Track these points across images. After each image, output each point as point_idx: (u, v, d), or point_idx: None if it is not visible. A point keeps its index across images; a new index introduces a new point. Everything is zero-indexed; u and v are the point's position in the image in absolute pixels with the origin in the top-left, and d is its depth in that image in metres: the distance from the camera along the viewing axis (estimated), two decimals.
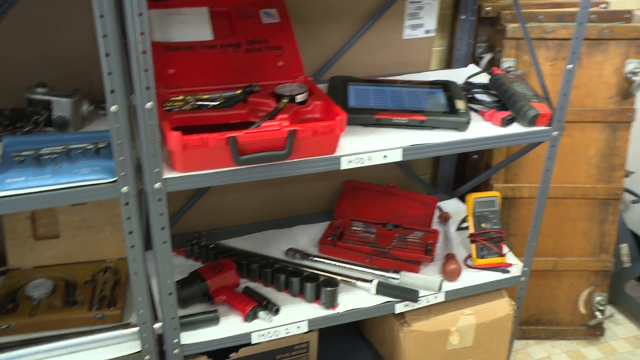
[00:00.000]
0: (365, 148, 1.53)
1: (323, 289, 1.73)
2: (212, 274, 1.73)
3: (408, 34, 2.06)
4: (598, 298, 2.33)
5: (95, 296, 1.72)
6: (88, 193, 1.32)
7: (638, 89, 2.11)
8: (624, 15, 2.14)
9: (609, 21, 2.12)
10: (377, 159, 1.54)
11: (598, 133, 2.17)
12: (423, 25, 2.06)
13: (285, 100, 1.54)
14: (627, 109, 2.15)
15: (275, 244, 2.02)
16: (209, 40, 1.66)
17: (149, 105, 1.25)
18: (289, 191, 2.14)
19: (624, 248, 2.54)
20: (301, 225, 2.12)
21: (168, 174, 1.36)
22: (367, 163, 1.53)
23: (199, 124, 1.48)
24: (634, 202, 2.60)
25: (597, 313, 2.34)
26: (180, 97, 1.54)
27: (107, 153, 1.39)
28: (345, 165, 1.51)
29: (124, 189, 1.33)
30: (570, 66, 1.63)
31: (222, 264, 1.77)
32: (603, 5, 2.26)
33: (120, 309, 1.68)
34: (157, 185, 1.34)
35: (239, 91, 1.59)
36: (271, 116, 1.47)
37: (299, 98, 1.56)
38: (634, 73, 2.09)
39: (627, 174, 2.32)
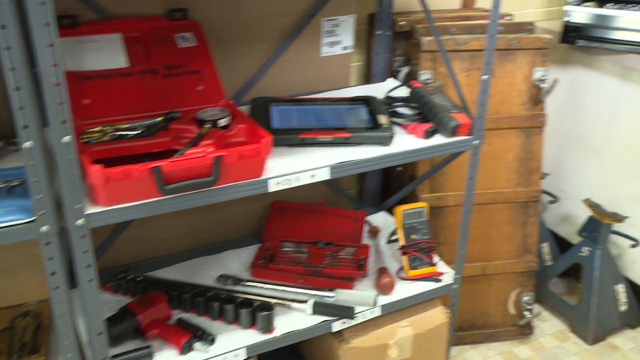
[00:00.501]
0: (292, 169, 1.52)
1: (258, 313, 1.70)
2: (143, 308, 1.67)
3: (326, 51, 2.07)
4: (525, 298, 2.40)
5: (14, 344, 1.62)
6: (4, 235, 1.25)
7: (546, 95, 2.19)
8: (527, 27, 2.23)
9: (515, 32, 2.21)
10: (305, 179, 1.54)
11: (514, 139, 2.24)
12: (340, 42, 2.08)
13: (208, 126, 1.51)
14: (539, 115, 2.23)
15: (206, 272, 1.97)
16: (124, 68, 1.61)
17: (66, 139, 1.19)
18: (216, 216, 2.10)
19: (545, 247, 2.63)
20: (231, 250, 2.08)
21: (91, 209, 1.30)
22: (295, 184, 1.52)
23: (120, 155, 1.42)
24: (550, 202, 2.70)
25: (526, 312, 2.40)
26: (98, 128, 1.48)
27: (22, 191, 1.32)
28: (273, 187, 1.49)
29: (44, 229, 1.26)
30: (485, 77, 1.68)
31: (152, 297, 1.71)
32: (508, 18, 2.35)
33: (45, 355, 1.59)
34: (79, 221, 1.28)
35: (159, 119, 1.55)
36: (195, 142, 1.43)
37: (222, 122, 1.53)
38: (542, 80, 2.18)
39: (543, 176, 2.41)
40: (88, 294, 1.37)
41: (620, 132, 2.46)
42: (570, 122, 2.65)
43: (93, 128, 1.48)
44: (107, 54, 1.60)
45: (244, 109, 1.79)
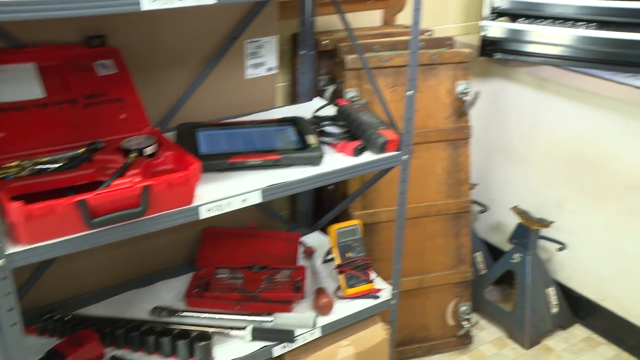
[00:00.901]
0: (223, 194, 1.49)
1: (196, 344, 1.65)
2: (73, 349, 1.59)
3: (251, 73, 2.05)
4: (463, 308, 2.43)
5: None
6: None
7: (470, 108, 2.24)
8: (447, 42, 2.28)
9: (436, 47, 2.25)
10: (237, 204, 1.51)
11: (442, 151, 2.28)
12: (264, 63, 2.07)
13: (133, 155, 1.46)
14: (464, 127, 2.28)
15: (138, 305, 1.90)
16: (40, 99, 1.54)
17: None
18: (146, 246, 2.04)
19: (479, 256, 2.68)
20: (164, 281, 2.02)
21: (12, 249, 1.23)
22: (227, 209, 1.49)
23: (41, 189, 1.36)
24: (481, 212, 2.76)
25: (464, 322, 2.43)
26: (15, 163, 1.41)
27: None
28: (204, 214, 1.45)
29: None
30: (410, 92, 1.70)
31: (82, 336, 1.64)
32: (428, 33, 2.40)
33: None
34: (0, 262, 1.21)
35: (82, 150, 1.49)
36: (121, 173, 1.38)
37: (148, 150, 1.49)
38: (464, 93, 2.23)
39: (472, 186, 2.46)
40: (11, 339, 1.29)
41: (541, 140, 2.54)
42: (494, 133, 2.72)
43: (10, 163, 1.41)
44: (21, 85, 1.53)
45: (170, 135, 1.75)
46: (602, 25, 2.13)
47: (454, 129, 2.27)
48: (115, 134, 1.57)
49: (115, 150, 1.49)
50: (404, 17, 2.47)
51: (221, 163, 1.60)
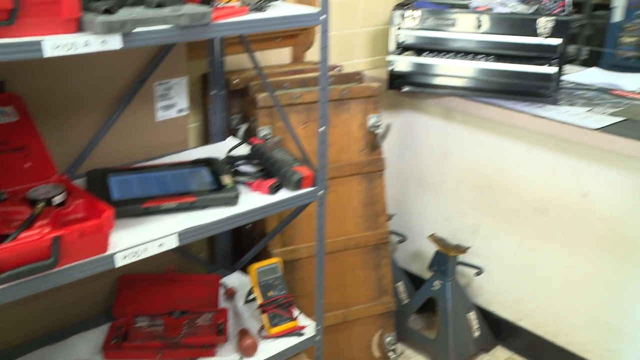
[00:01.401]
0: (139, 240, 1.45)
1: None
2: None
3: (161, 115, 2.02)
4: (388, 339, 2.44)
5: None
6: None
7: (382, 140, 2.29)
8: (356, 77, 2.34)
9: (345, 82, 2.30)
10: (153, 249, 1.47)
11: (357, 184, 2.31)
12: (175, 104, 2.04)
13: (41, 205, 1.40)
14: (377, 159, 2.33)
15: None
16: None
17: None
18: (59, 299, 1.95)
19: (400, 286, 2.72)
20: (79, 334, 1.93)
21: None
22: (143, 255, 1.45)
23: None
24: (399, 242, 2.80)
25: (390, 353, 2.45)
26: None
27: None
28: (120, 262, 1.41)
29: None
30: (322, 128, 1.72)
31: None
32: (338, 69, 2.45)
33: None
34: None
35: None
36: (28, 224, 1.32)
37: (57, 199, 1.43)
38: (376, 126, 2.28)
39: (389, 217, 2.50)
40: None
41: (452, 168, 2.62)
42: (408, 163, 2.79)
43: None
44: None
45: (80, 182, 1.70)
46: (499, 58, 2.24)
47: (368, 161, 2.31)
48: (20, 184, 1.51)
49: (21, 200, 1.43)
50: (313, 54, 2.51)
51: (135, 208, 1.56)
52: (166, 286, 2.07)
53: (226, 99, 2.16)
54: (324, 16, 1.57)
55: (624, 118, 2.10)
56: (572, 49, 5.53)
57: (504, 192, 2.47)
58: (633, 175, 2.07)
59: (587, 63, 5.10)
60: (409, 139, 2.74)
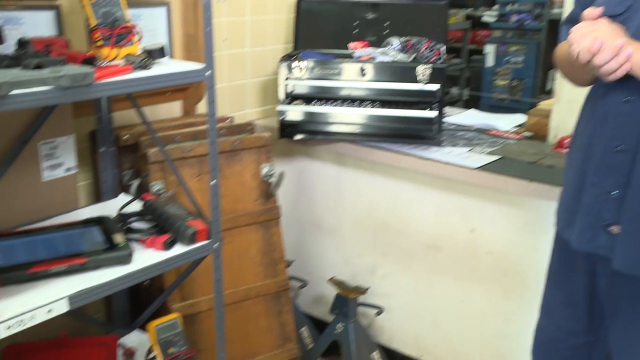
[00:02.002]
0: (25, 308, 1.40)
1: None
2: None
3: (48, 175, 1.96)
4: None
5: None
6: None
7: (276, 189, 2.33)
8: (248, 128, 2.38)
9: (237, 133, 2.33)
10: (41, 316, 1.42)
11: (254, 234, 2.32)
12: (62, 163, 1.99)
13: None
14: (273, 207, 2.35)
15: None
16: None
17: None
18: None
19: (304, 331, 2.72)
20: None
21: None
22: (30, 323, 1.40)
23: None
24: (301, 287, 2.82)
25: None
26: None
27: None
28: (4, 333, 1.35)
29: None
30: (213, 182, 1.73)
31: None
32: (229, 120, 2.48)
33: None
34: None
35: None
36: None
37: None
38: (269, 175, 2.31)
39: (289, 263, 2.52)
40: None
41: (347, 211, 2.69)
42: (304, 208, 2.83)
43: None
44: None
45: None
46: (384, 103, 2.34)
47: (264, 210, 2.33)
48: None
49: None
50: (205, 106, 2.52)
51: (20, 275, 1.50)
52: (58, 353, 1.98)
53: (117, 155, 2.13)
54: (209, 72, 1.60)
55: (499, 156, 2.24)
56: (454, 90, 5.86)
57: (398, 231, 2.55)
58: (513, 210, 2.21)
59: (469, 103, 5.41)
60: (303, 185, 2.79)
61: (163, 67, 1.58)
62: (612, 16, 1.41)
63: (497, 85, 5.10)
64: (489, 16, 5.52)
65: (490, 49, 5.14)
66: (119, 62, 1.57)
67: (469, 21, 5.92)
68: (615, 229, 1.44)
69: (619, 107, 1.41)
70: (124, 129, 2.20)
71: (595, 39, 1.29)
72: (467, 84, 5.64)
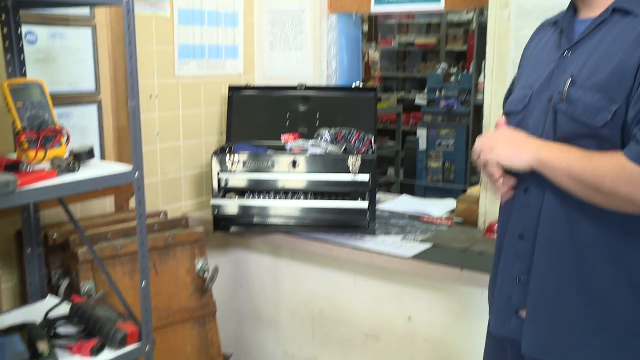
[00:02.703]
0: None
1: None
2: None
3: None
4: None
5: None
6: None
7: (211, 283, 2.29)
8: (182, 222, 2.36)
9: (171, 228, 2.30)
10: None
11: (190, 330, 2.26)
12: None
13: None
14: (208, 302, 2.31)
15: None
16: None
17: None
18: None
19: None
20: None
21: None
22: None
23: None
24: None
25: None
26: None
27: None
28: None
29: None
30: (143, 283, 1.70)
31: None
32: (162, 214, 2.45)
33: None
34: None
35: None
36: None
37: None
38: (204, 270, 2.28)
39: (227, 357, 2.46)
40: None
41: (285, 303, 2.66)
42: (242, 301, 2.78)
43: None
44: None
45: None
46: (317, 195, 2.37)
47: (199, 305, 2.28)
48: None
49: None
50: None
51: None
52: None
53: (45, 254, 2.07)
54: (137, 173, 1.59)
55: (432, 244, 2.28)
56: (391, 172, 6.00)
57: (336, 321, 2.53)
58: (447, 297, 2.23)
59: (405, 185, 5.53)
60: (240, 277, 2.76)
61: (91, 170, 1.57)
62: (515, 112, 1.53)
63: (431, 167, 5.26)
64: (420, 99, 5.74)
65: (421, 133, 5.33)
66: (45, 165, 1.55)
67: (400, 105, 6.14)
68: (523, 313, 1.49)
69: (520, 196, 1.49)
70: (53, 227, 2.15)
71: (474, 152, 1.49)
72: (402, 164, 5.79)
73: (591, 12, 1.42)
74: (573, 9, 1.49)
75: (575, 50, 1.42)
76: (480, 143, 1.48)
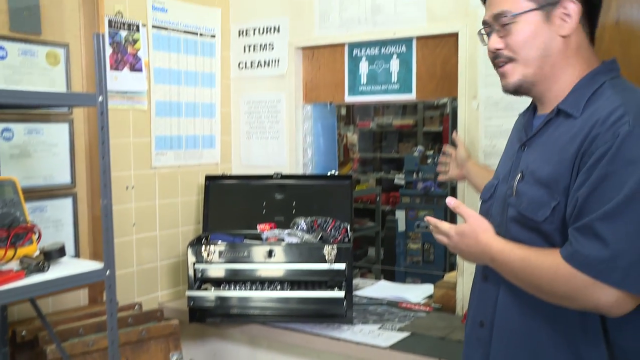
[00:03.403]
0: None
1: None
2: None
3: None
4: None
5: None
6: None
7: None
8: (156, 314, 2.32)
9: (145, 322, 2.26)
10: None
11: None
12: None
13: None
14: None
15: None
16: None
17: None
18: None
19: None
20: None
21: None
22: None
23: None
24: None
25: None
26: None
27: None
28: None
29: None
30: None
31: None
32: (137, 307, 2.41)
33: None
34: None
35: None
36: None
37: None
38: None
39: None
40: None
41: None
42: None
43: None
44: None
45: None
46: (294, 284, 2.36)
47: None
48: None
49: None
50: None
51: None
52: None
53: (11, 354, 2.01)
54: (109, 271, 1.58)
55: (410, 332, 2.25)
56: (371, 252, 5.98)
57: None
58: None
59: (385, 265, 5.51)
60: None
61: (61, 269, 1.56)
62: (484, 200, 1.60)
63: (411, 249, 5.26)
64: (399, 179, 5.81)
65: (400, 215, 5.35)
66: (12, 265, 1.53)
67: (379, 187, 6.20)
68: None
69: (480, 283, 1.53)
70: (22, 324, 2.10)
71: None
72: (383, 244, 5.78)
73: (545, 110, 1.49)
74: (534, 104, 1.56)
75: (530, 145, 1.48)
76: (441, 241, 1.52)
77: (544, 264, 1.32)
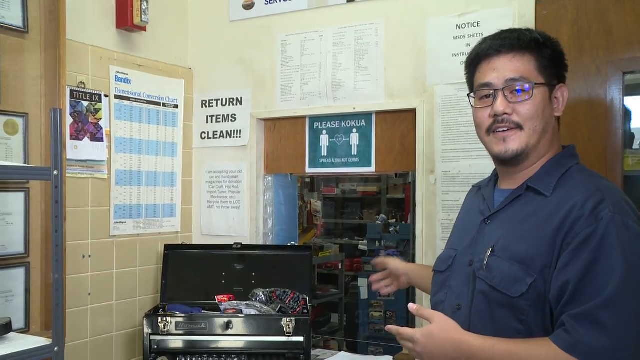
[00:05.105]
0: None
1: None
2: None
3: None
4: None
5: None
6: None
7: None
8: None
9: None
10: None
11: None
12: None
13: None
14: None
15: None
16: None
17: None
18: None
19: None
20: None
21: None
22: None
23: None
24: None
25: None
26: None
27: None
28: None
29: None
30: None
31: None
32: None
33: None
34: None
35: None
36: None
37: None
38: None
39: None
40: None
41: None
42: None
43: None
44: None
45: None
46: (252, 356, 2.32)
47: None
48: None
49: None
50: None
51: None
52: None
53: None
54: (57, 348, 1.54)
55: None
56: (334, 319, 5.92)
57: None
58: None
59: (348, 334, 5.46)
60: None
61: (6, 346, 1.52)
62: (440, 272, 1.58)
63: (374, 316, 5.22)
64: (363, 245, 5.83)
65: (362, 283, 5.34)
66: None
67: (343, 254, 6.21)
68: None
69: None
70: None
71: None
72: (345, 310, 5.74)
73: (509, 185, 1.51)
74: (495, 178, 1.58)
75: (494, 219, 1.49)
76: (407, 347, 1.43)
77: (537, 357, 1.28)
